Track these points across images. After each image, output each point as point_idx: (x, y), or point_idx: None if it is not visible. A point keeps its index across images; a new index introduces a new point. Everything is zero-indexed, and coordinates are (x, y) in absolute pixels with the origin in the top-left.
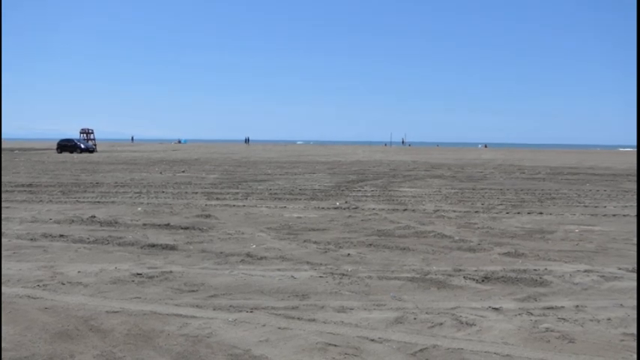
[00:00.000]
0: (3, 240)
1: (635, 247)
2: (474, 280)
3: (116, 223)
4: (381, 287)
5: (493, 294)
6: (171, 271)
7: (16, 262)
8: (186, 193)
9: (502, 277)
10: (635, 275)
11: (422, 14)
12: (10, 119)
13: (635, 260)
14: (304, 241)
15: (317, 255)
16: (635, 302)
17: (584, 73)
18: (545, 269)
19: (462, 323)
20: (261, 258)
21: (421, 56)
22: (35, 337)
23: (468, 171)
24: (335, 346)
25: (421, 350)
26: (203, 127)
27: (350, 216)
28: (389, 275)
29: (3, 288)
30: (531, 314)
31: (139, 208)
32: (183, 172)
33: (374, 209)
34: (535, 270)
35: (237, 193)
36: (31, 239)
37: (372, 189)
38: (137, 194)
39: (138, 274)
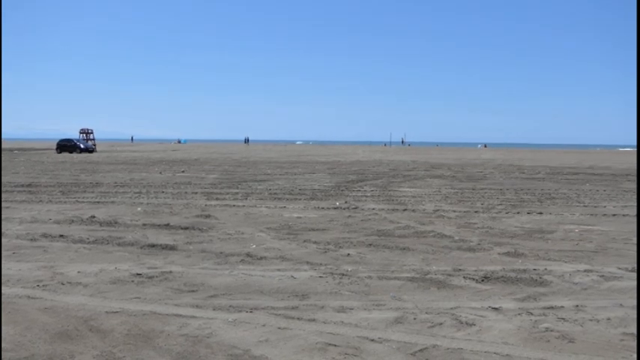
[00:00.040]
0: (3, 240)
1: (634, 247)
2: (473, 279)
3: (116, 223)
4: (380, 287)
5: (493, 294)
6: (171, 271)
7: (16, 263)
8: (185, 193)
9: (502, 276)
10: (634, 275)
11: (422, 14)
12: (9, 119)
13: (634, 260)
14: (304, 241)
15: (317, 255)
16: (634, 302)
17: (584, 73)
18: (545, 269)
19: (462, 323)
20: (261, 258)
21: (421, 56)
22: (35, 337)
23: (468, 171)
24: (335, 346)
25: (421, 350)
26: (203, 127)
27: (350, 216)
28: (389, 275)
29: (3, 288)
30: (531, 314)
31: (139, 208)
32: (182, 172)
33: (374, 209)
34: (535, 270)
35: (237, 193)
36: (31, 239)
37: (372, 189)
38: (137, 194)
39: (138, 274)
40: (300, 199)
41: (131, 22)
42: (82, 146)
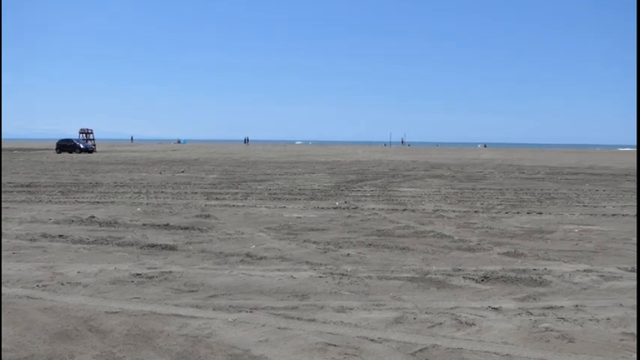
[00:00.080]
0: (3, 240)
1: (634, 247)
2: (473, 279)
3: (115, 223)
4: (380, 287)
5: (492, 294)
6: (170, 272)
7: (16, 263)
8: (185, 193)
9: (501, 276)
10: (634, 275)
11: (422, 14)
12: (9, 119)
13: (634, 260)
14: (304, 241)
15: (316, 255)
16: (634, 302)
17: (584, 73)
18: (545, 269)
19: (462, 323)
20: (261, 258)
21: (421, 56)
22: (35, 337)
23: (468, 171)
24: (335, 346)
25: (421, 350)
26: (203, 127)
27: (349, 216)
28: (388, 275)
29: (3, 288)
30: (531, 314)
31: (139, 209)
32: (182, 172)
33: (373, 209)
34: (534, 270)
35: (237, 193)
36: (31, 239)
37: (372, 189)
38: (136, 194)
39: (137, 274)
40: (299, 199)
41: (131, 22)
42: (81, 146)
